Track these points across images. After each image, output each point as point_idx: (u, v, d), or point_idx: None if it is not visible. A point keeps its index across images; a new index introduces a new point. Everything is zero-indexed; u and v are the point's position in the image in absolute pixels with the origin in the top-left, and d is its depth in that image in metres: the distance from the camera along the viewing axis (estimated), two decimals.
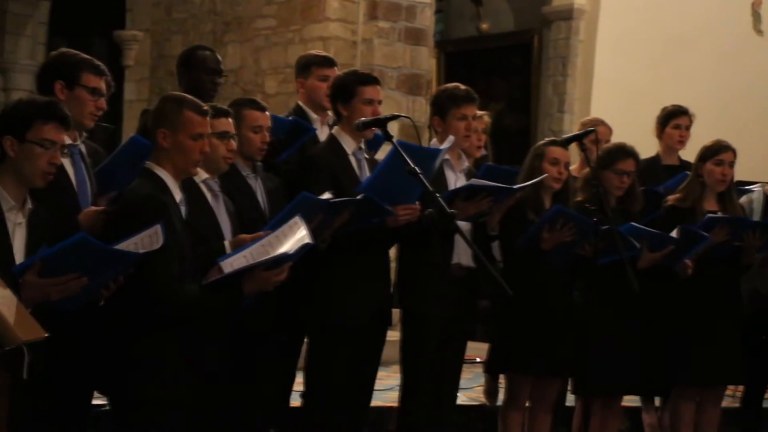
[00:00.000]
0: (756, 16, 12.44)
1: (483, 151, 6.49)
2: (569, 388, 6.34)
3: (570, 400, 6.50)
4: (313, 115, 6.14)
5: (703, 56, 11.93)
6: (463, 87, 5.87)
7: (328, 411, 5.47)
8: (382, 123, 5.06)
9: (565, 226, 5.67)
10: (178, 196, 4.38)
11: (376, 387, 5.82)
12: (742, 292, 6.40)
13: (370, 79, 5.61)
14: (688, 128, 7.18)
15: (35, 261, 3.84)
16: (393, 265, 5.99)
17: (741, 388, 6.87)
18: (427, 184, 4.65)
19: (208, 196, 4.81)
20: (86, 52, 4.81)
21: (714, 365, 6.18)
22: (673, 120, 7.16)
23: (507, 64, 12.76)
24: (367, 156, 5.62)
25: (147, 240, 4.06)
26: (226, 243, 4.66)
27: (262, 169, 5.35)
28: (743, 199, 6.54)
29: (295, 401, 5.92)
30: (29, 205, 4.04)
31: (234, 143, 4.89)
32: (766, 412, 6.86)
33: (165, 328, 4.24)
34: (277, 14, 10.78)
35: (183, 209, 4.39)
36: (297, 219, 4.45)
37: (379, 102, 5.59)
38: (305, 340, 5.80)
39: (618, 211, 5.97)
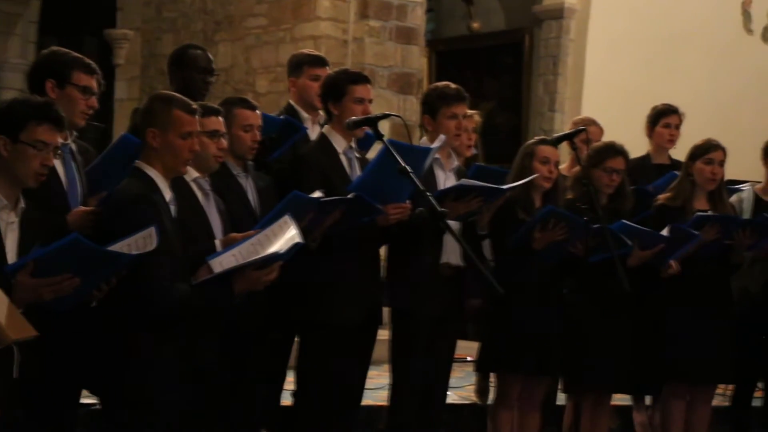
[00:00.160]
0: (746, 16, 12.48)
1: (473, 150, 6.49)
2: (560, 386, 6.34)
3: (561, 398, 6.51)
4: (305, 114, 6.14)
5: (693, 55, 11.96)
6: (453, 86, 5.87)
7: (319, 410, 5.47)
8: (372, 122, 5.07)
9: (556, 225, 5.68)
10: (167, 195, 4.38)
11: (366, 386, 5.82)
12: (733, 291, 6.42)
13: (361, 78, 5.61)
14: (677, 127, 7.19)
15: (28, 261, 3.83)
16: (383, 263, 5.99)
17: (731, 387, 6.88)
18: (418, 182, 4.65)
19: (199, 195, 4.80)
20: (77, 50, 4.79)
21: (705, 364, 6.19)
22: (662, 119, 7.17)
23: (498, 63, 12.78)
24: (357, 155, 5.62)
25: (141, 242, 4.05)
26: (217, 242, 4.66)
27: (253, 168, 5.34)
28: (733, 199, 6.56)
29: (287, 400, 5.92)
30: (22, 204, 4.03)
31: (224, 142, 4.89)
32: (756, 411, 6.87)
33: (157, 328, 4.23)
34: (268, 13, 10.78)
35: (173, 208, 4.39)
36: (286, 218, 4.45)
37: (370, 101, 5.59)
38: (296, 339, 5.80)
39: (608, 209, 5.97)
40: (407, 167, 4.64)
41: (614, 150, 6.07)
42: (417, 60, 10.75)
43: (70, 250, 3.82)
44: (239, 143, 5.20)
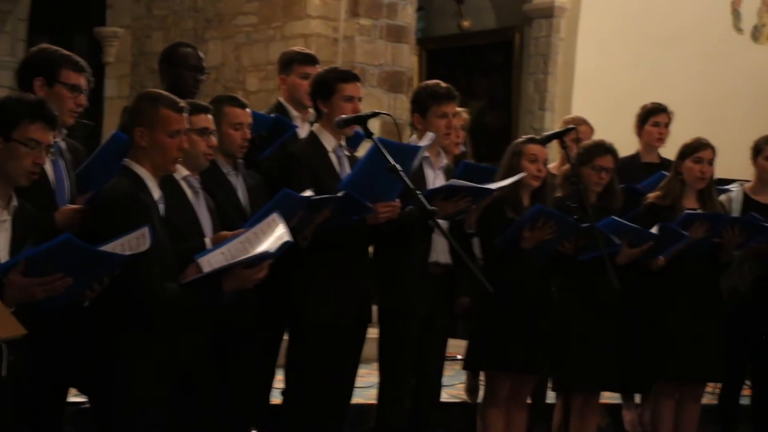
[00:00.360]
0: (736, 15, 12.50)
1: (462, 148, 6.50)
2: (549, 385, 6.35)
3: (550, 397, 6.51)
4: (294, 112, 6.14)
5: (683, 54, 11.98)
6: (443, 84, 5.88)
7: (308, 408, 5.46)
8: (362, 120, 5.07)
9: (545, 224, 5.69)
10: (156, 194, 4.37)
11: (356, 384, 5.82)
12: (722, 290, 6.43)
13: (350, 76, 5.61)
14: (667, 126, 7.22)
15: (20, 260, 3.82)
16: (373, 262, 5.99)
17: (720, 385, 6.90)
18: (407, 181, 4.66)
19: (189, 193, 4.79)
20: (67, 48, 4.78)
21: (694, 362, 6.20)
22: (652, 117, 7.20)
23: (488, 61, 12.78)
24: (347, 153, 5.62)
25: (134, 242, 4.05)
26: (207, 240, 4.65)
27: (243, 167, 5.34)
28: (722, 198, 6.57)
29: (276, 399, 5.92)
30: (14, 203, 4.02)
31: (214, 139, 4.88)
32: (744, 409, 6.89)
33: (146, 327, 4.23)
34: (259, 11, 10.77)
35: (161, 207, 4.38)
36: (275, 216, 4.44)
37: (360, 99, 5.58)
38: (285, 337, 5.80)
39: (597, 208, 5.98)
40: (397, 165, 4.64)
41: (603, 148, 6.08)
42: (407, 58, 10.75)
43: (63, 250, 3.81)
44: (229, 141, 5.20)
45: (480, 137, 9.63)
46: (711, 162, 6.28)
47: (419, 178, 5.61)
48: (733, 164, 7.41)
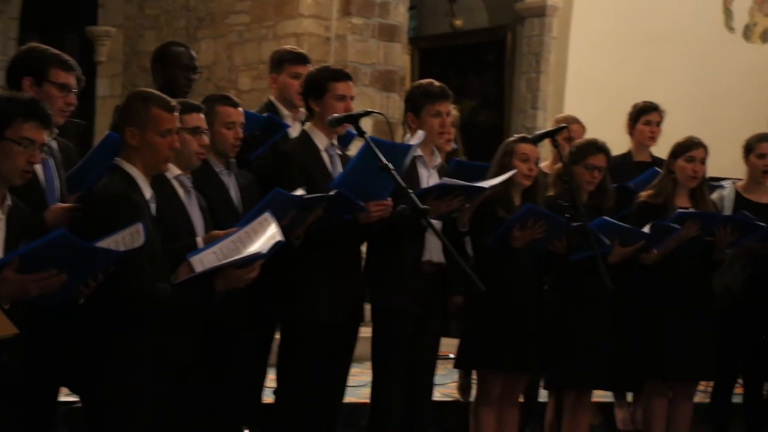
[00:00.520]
0: (728, 13, 12.52)
1: (453, 145, 6.50)
2: (541, 383, 6.35)
3: (543, 395, 6.52)
4: (285, 111, 6.13)
5: (675, 53, 12.00)
6: (437, 83, 5.87)
7: (300, 408, 5.46)
8: (354, 119, 5.06)
9: (536, 223, 5.69)
10: (147, 193, 4.36)
11: (349, 383, 5.82)
12: (714, 289, 6.44)
13: (342, 75, 5.61)
14: (659, 124, 7.23)
15: (14, 257, 3.81)
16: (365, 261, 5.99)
17: (712, 383, 6.90)
18: (399, 179, 4.65)
19: (180, 192, 4.79)
20: (59, 47, 4.77)
21: (686, 361, 6.21)
22: (643, 116, 7.21)
23: (480, 60, 12.79)
24: (339, 152, 5.61)
25: (128, 238, 4.04)
26: (199, 239, 4.65)
27: (236, 166, 5.34)
28: (714, 195, 6.57)
29: (268, 398, 5.92)
30: (9, 202, 4.00)
31: (206, 138, 4.88)
32: (736, 407, 6.90)
33: (139, 327, 4.22)
34: (251, 10, 10.77)
35: (153, 206, 4.38)
36: (267, 215, 4.44)
37: (352, 98, 5.58)
38: (277, 336, 5.80)
39: (590, 207, 5.98)
40: (389, 164, 4.64)
41: (596, 147, 6.09)
42: (400, 57, 10.75)
43: (57, 246, 3.80)
44: (221, 140, 5.19)
45: (472, 136, 9.63)
46: (703, 161, 6.28)
47: (413, 177, 5.61)
48: (725, 163, 7.41)
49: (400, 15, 10.66)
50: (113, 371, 4.21)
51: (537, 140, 6.00)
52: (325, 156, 5.53)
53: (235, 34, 10.92)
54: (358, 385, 6.76)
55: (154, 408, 4.33)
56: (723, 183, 6.82)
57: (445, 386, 7.53)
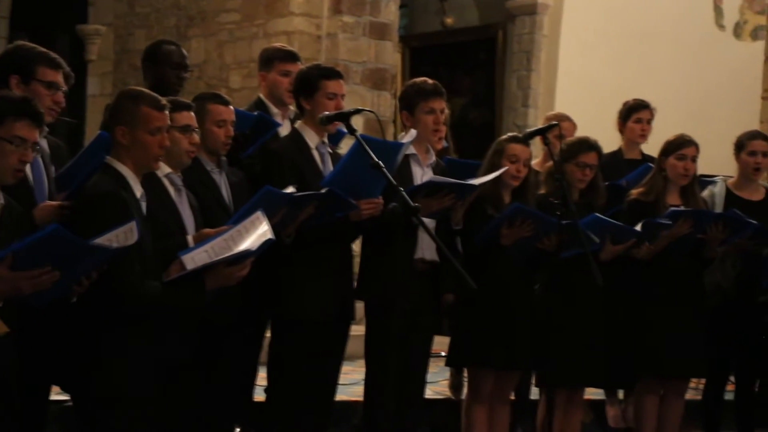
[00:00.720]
0: (718, 11, 12.54)
1: (444, 143, 6.50)
2: (533, 381, 6.35)
3: (534, 393, 6.52)
4: (274, 109, 6.12)
5: (666, 51, 12.02)
6: (431, 81, 5.87)
7: (292, 406, 5.46)
8: (345, 117, 5.06)
9: (524, 222, 5.69)
10: (138, 191, 4.36)
11: (341, 381, 5.82)
12: (706, 286, 6.44)
13: (333, 74, 5.61)
14: (649, 122, 7.23)
15: (7, 254, 3.80)
16: (357, 259, 5.99)
17: (703, 380, 6.91)
18: (390, 177, 4.65)
19: (171, 190, 4.78)
20: (49, 46, 4.76)
21: (678, 358, 6.21)
22: (634, 114, 7.21)
23: (471, 58, 12.80)
24: (330, 150, 5.61)
25: (122, 236, 4.04)
26: (189, 238, 4.64)
27: (226, 164, 5.33)
28: (705, 193, 6.58)
29: (259, 396, 5.91)
30: (1, 200, 4.00)
31: (197, 137, 4.87)
32: (728, 404, 6.91)
33: (129, 326, 4.22)
34: (241, 8, 10.75)
35: (143, 205, 4.37)
36: (259, 214, 4.45)
37: (343, 96, 5.58)
38: (267, 334, 5.79)
39: (581, 205, 5.98)
40: (380, 162, 4.64)
41: (587, 145, 6.09)
42: (391, 56, 10.74)
43: (50, 242, 3.79)
44: (212, 139, 5.19)
45: (463, 134, 9.65)
46: (694, 159, 6.29)
47: (407, 175, 5.61)
48: (716, 160, 7.43)
49: (391, 13, 10.66)
50: (105, 370, 4.21)
51: (528, 138, 5.99)
52: (315, 154, 5.52)
53: (225, 33, 10.91)
54: (350, 383, 6.76)
55: (146, 407, 4.32)
56: (714, 180, 6.83)
57: (437, 384, 7.53)
